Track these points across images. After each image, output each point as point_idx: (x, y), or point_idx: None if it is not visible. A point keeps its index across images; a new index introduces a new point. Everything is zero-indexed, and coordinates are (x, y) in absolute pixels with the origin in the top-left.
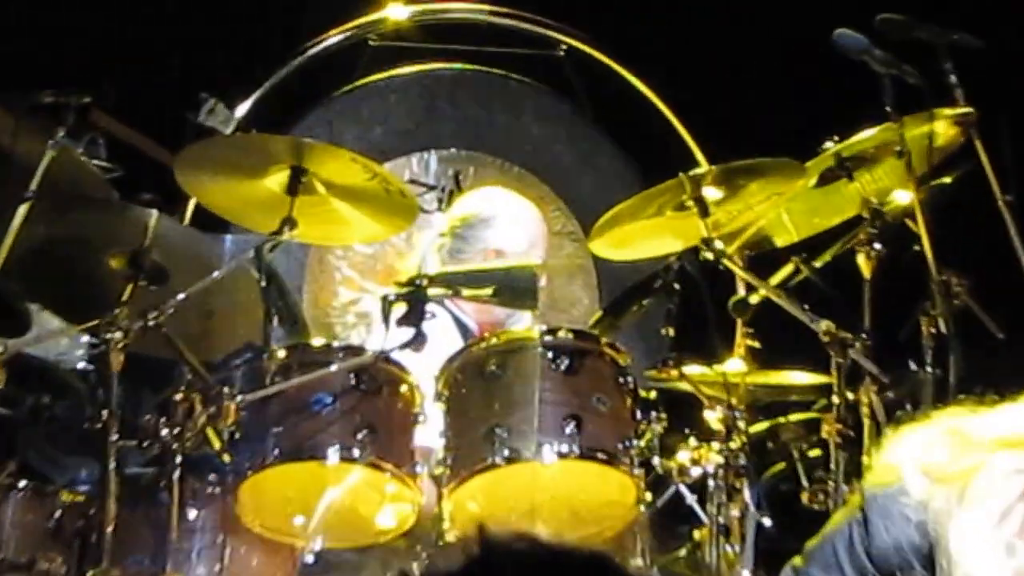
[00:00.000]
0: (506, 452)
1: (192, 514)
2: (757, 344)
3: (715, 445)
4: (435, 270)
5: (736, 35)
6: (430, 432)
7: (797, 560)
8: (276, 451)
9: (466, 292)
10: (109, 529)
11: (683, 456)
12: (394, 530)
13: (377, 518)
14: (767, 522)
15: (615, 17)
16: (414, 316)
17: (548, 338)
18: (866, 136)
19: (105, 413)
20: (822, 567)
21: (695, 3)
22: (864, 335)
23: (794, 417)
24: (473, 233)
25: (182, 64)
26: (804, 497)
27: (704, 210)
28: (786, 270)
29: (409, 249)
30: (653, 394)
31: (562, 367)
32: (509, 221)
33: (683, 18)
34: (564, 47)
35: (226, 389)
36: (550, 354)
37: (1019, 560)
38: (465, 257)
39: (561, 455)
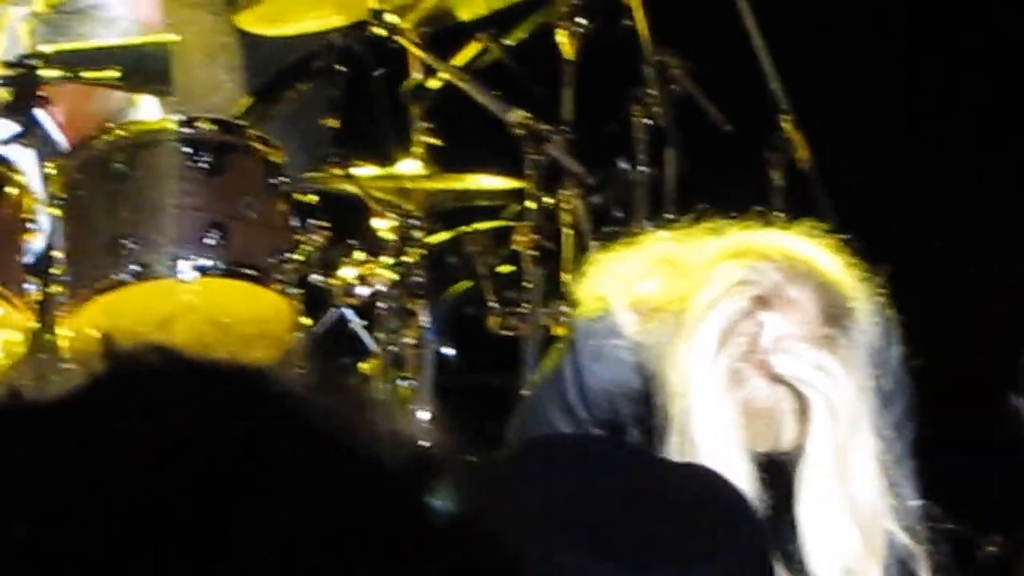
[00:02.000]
0: (135, 267)
1: None
2: (437, 142)
3: (386, 259)
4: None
5: None
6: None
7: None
8: None
9: (86, 74)
10: None
11: (348, 272)
12: None
13: None
14: (449, 351)
15: None
16: (23, 103)
17: (185, 130)
18: None
19: None
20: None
21: None
22: (564, 127)
23: (481, 226)
24: (70, 23)
25: None
26: (492, 322)
27: None
28: (472, 49)
29: None
30: (312, 198)
31: (202, 165)
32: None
33: None
34: None
35: None
36: (188, 149)
37: (747, 389)
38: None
39: (202, 270)
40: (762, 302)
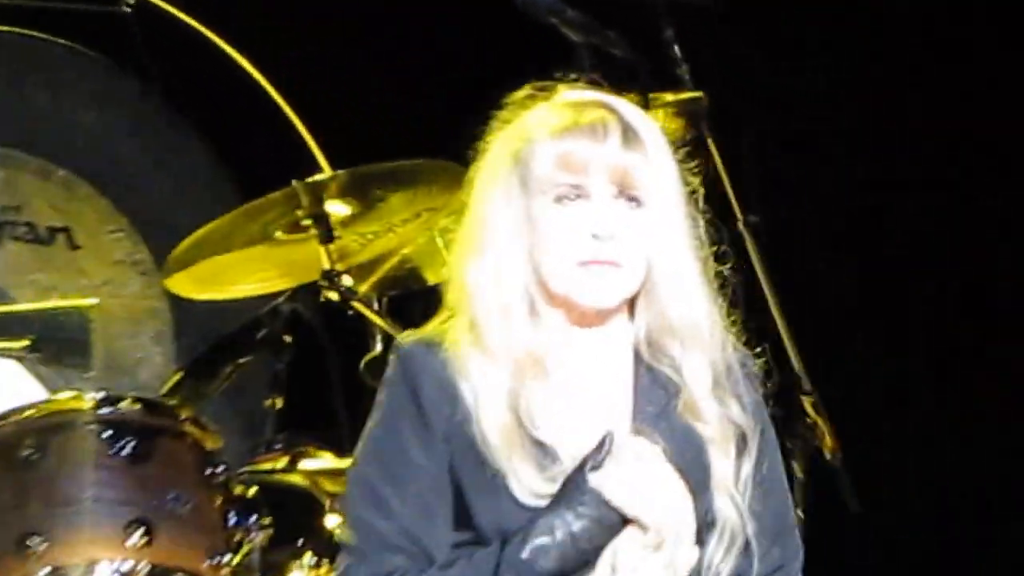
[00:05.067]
0: (45, 570)
1: None
2: None
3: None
4: None
5: None
6: None
7: None
8: None
9: None
10: None
11: None
12: None
13: None
14: None
15: None
16: None
17: (105, 411)
18: None
19: None
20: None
21: None
22: None
23: None
24: None
25: None
26: None
27: (327, 232)
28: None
29: None
30: (253, 491)
31: (125, 452)
32: None
33: None
34: (131, 1)
35: None
36: (108, 433)
37: None
38: None
39: None
40: None
